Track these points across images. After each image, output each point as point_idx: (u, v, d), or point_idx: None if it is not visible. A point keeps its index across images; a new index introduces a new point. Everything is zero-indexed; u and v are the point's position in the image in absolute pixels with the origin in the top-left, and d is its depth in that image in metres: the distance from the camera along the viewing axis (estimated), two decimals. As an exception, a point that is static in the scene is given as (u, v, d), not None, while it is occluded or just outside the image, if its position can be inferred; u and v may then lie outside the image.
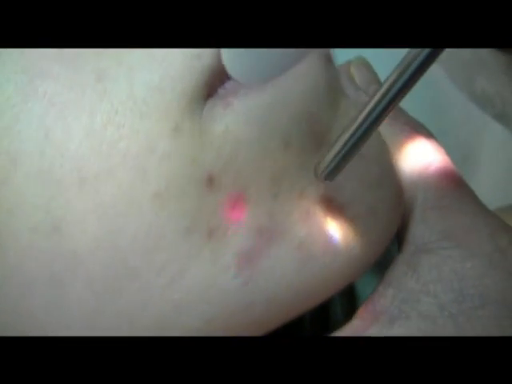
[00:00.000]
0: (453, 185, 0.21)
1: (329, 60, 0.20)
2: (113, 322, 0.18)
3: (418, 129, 0.23)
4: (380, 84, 0.17)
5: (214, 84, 0.18)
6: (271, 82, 0.18)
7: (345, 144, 0.17)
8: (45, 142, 0.17)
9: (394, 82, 0.16)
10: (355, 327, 0.19)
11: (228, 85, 0.18)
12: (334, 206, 0.19)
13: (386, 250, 0.21)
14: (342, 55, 0.24)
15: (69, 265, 0.18)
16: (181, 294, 0.18)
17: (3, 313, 0.18)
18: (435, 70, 0.34)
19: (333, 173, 0.18)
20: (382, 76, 0.20)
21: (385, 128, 0.21)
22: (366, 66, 0.24)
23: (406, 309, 0.19)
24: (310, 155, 0.19)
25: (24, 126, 0.17)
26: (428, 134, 0.23)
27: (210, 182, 0.18)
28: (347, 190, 0.19)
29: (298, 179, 0.19)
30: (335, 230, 0.19)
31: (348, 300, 0.29)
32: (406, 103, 0.21)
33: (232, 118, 0.18)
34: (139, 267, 0.18)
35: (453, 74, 0.34)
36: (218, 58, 0.17)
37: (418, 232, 0.20)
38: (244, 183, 0.18)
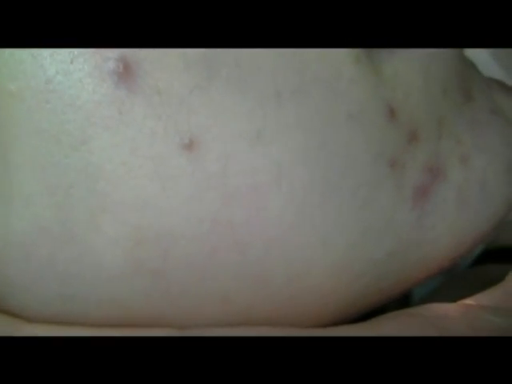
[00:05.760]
0: None
1: None
2: (306, 241, 0.18)
3: None
4: None
5: None
6: None
7: None
8: None
9: None
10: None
11: None
12: (484, 156, 0.21)
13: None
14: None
15: (272, 176, 0.17)
16: (369, 221, 0.19)
17: (201, 222, 0.17)
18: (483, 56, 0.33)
19: None
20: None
21: None
22: None
23: None
24: (461, 107, 0.21)
25: None
26: None
27: (391, 113, 0.19)
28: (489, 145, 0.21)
29: (455, 126, 0.20)
30: (485, 179, 0.21)
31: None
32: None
33: (398, 63, 0.19)
34: (337, 186, 0.18)
35: (502, 61, 0.33)
36: None
37: None
38: (416, 121, 0.19)
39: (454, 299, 0.23)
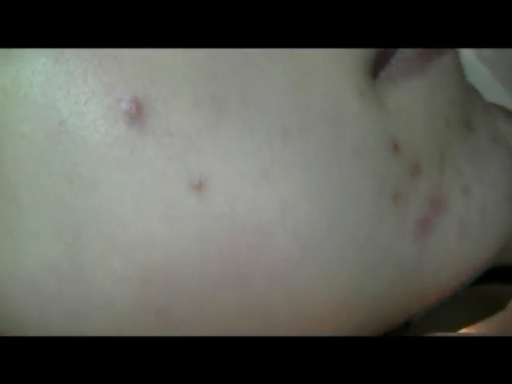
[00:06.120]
0: None
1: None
2: (309, 276, 0.18)
3: None
4: None
5: (378, 64, 0.19)
6: (426, 69, 0.19)
7: None
8: None
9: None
10: None
11: (387, 68, 0.19)
12: (485, 186, 0.21)
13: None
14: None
15: (277, 214, 0.17)
16: (371, 255, 0.19)
17: (208, 262, 0.17)
18: (481, 70, 0.33)
19: None
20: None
21: None
22: None
23: None
24: (463, 138, 0.21)
25: None
26: None
27: (395, 146, 0.19)
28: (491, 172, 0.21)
29: (457, 157, 0.20)
30: (486, 208, 0.21)
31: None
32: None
33: (401, 95, 0.19)
34: (340, 221, 0.18)
35: (500, 75, 0.33)
36: None
37: None
38: (419, 154, 0.19)
39: (454, 319, 0.24)
